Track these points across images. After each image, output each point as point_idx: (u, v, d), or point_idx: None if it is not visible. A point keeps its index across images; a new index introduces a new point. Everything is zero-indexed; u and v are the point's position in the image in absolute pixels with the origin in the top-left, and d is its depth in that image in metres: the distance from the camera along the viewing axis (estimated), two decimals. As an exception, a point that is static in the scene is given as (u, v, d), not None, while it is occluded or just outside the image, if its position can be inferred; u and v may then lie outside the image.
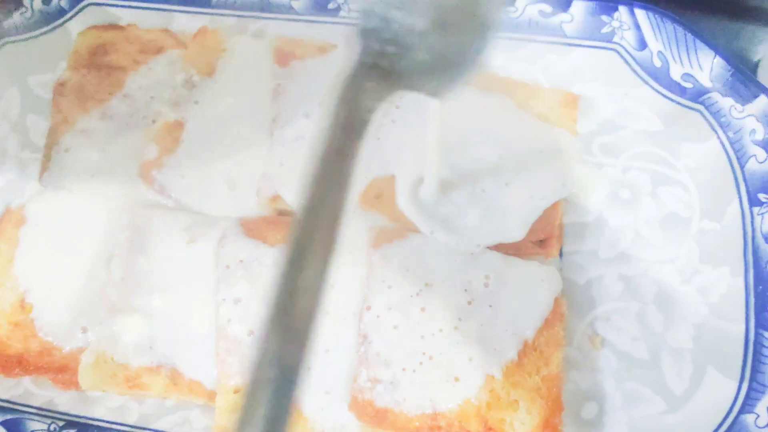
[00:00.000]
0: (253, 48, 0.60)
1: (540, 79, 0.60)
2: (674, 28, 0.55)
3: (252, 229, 0.52)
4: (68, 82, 0.61)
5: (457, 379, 0.47)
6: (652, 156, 0.56)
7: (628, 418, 0.49)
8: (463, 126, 0.55)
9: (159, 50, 0.61)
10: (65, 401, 0.49)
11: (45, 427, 0.47)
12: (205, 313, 0.49)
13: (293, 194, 0.53)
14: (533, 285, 0.50)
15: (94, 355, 0.48)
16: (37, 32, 0.63)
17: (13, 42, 0.62)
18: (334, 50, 0.59)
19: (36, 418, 0.48)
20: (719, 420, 0.47)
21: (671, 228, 0.54)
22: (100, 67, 0.61)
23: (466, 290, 0.49)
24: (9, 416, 0.47)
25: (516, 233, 0.50)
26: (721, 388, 0.48)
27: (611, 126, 0.58)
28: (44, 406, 0.49)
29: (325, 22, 0.61)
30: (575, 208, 0.56)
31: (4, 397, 0.49)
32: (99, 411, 0.49)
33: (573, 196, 0.56)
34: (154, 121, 0.58)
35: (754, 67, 0.64)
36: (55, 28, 0.64)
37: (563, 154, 0.54)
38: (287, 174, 0.54)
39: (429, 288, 0.49)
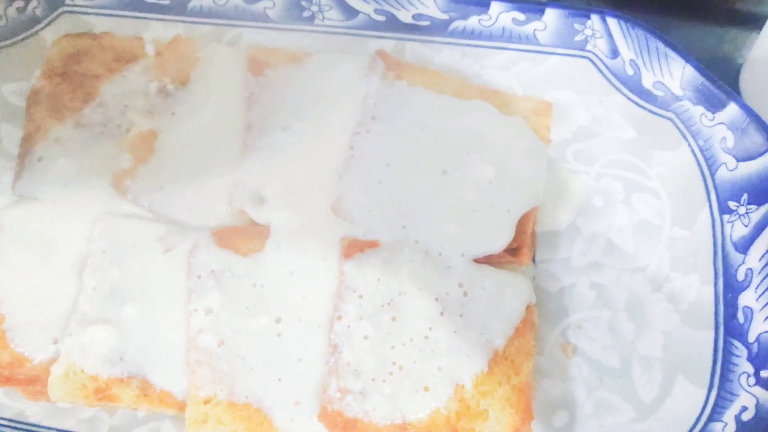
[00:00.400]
0: (227, 57, 0.59)
1: (514, 86, 0.60)
2: (646, 36, 0.55)
3: (224, 239, 0.52)
4: (42, 90, 0.60)
5: (426, 389, 0.47)
6: (625, 164, 0.57)
7: (599, 427, 0.49)
8: (441, 132, 0.55)
9: (133, 58, 0.61)
10: (36, 413, 0.49)
11: (14, 439, 0.47)
12: (177, 323, 0.49)
13: (263, 209, 0.53)
14: (505, 293, 0.50)
15: (64, 366, 0.48)
16: (11, 41, 0.63)
17: (-12, 50, 0.62)
18: (308, 59, 0.59)
19: (7, 430, 0.47)
20: (687, 428, 0.47)
21: (643, 236, 0.54)
22: (74, 75, 0.61)
23: (437, 299, 0.49)
24: (-23, 429, 0.47)
25: (501, 242, 0.50)
26: (690, 397, 0.48)
27: (585, 133, 0.58)
28: (15, 418, 0.49)
29: (300, 30, 0.62)
30: (548, 216, 0.56)
31: (-26, 409, 0.49)
32: (70, 422, 0.49)
33: (546, 203, 0.56)
34: (128, 130, 0.58)
35: (736, 71, 0.65)
36: (29, 36, 0.63)
37: (539, 161, 0.54)
38: (261, 184, 0.54)
39: (401, 297, 0.49)
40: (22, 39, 0.63)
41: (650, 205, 0.55)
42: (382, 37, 0.60)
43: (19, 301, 0.52)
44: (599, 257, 0.54)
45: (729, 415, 0.46)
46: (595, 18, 0.56)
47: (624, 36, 0.56)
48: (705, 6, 0.68)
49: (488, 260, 0.52)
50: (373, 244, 0.51)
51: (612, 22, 0.56)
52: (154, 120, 0.57)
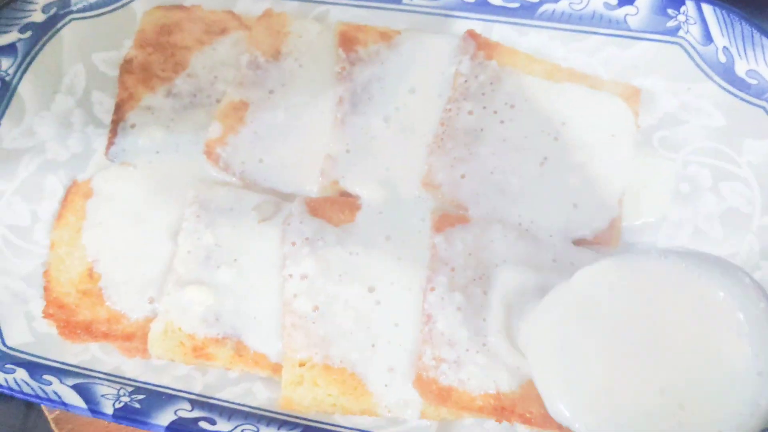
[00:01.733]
0: (316, 32, 0.60)
1: (600, 71, 0.59)
2: (741, 24, 0.55)
3: (316, 208, 0.53)
4: (134, 59, 0.62)
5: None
6: (713, 151, 0.57)
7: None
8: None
9: (223, 31, 0.62)
10: (131, 368, 0.50)
11: (114, 391, 0.48)
12: (271, 287, 0.50)
13: (355, 182, 0.54)
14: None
15: (163, 324, 0.49)
16: (103, 10, 0.65)
17: (79, 18, 0.64)
18: (398, 36, 0.59)
19: (105, 383, 0.49)
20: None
21: (732, 223, 0.54)
22: (165, 46, 0.62)
23: (526, 273, 0.50)
24: (79, 381, 0.48)
25: (596, 225, 0.51)
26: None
27: (672, 120, 0.58)
28: (112, 372, 0.50)
29: (388, 9, 0.62)
30: (634, 200, 0.56)
31: (72, 362, 0.50)
32: (164, 379, 0.50)
33: (632, 188, 0.56)
34: (218, 101, 0.59)
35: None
36: (120, 6, 0.65)
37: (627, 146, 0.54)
38: (351, 162, 0.55)
39: (493, 270, 0.49)
40: (113, 9, 0.65)
41: (739, 193, 0.55)
42: (469, 18, 0.61)
43: (114, 261, 0.53)
44: (686, 243, 0.54)
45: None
46: (689, 4, 0.56)
47: (718, 23, 0.56)
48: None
49: (577, 243, 0.52)
50: (463, 219, 0.52)
51: (707, 8, 0.56)
52: (245, 91, 0.58)
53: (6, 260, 0.55)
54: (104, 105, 0.62)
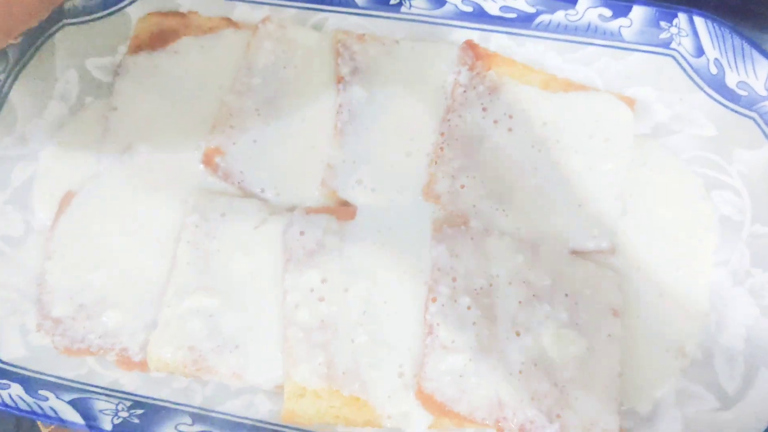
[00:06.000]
0: (315, 40, 0.60)
1: (595, 81, 0.61)
2: (732, 37, 0.56)
3: (316, 218, 0.53)
4: (128, 65, 0.61)
5: (521, 372, 0.48)
6: (705, 161, 0.58)
7: (681, 415, 0.50)
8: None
9: (220, 39, 0.62)
10: (130, 382, 0.50)
11: (113, 406, 0.47)
12: (273, 299, 0.50)
13: (355, 191, 0.54)
14: (594, 286, 0.51)
15: (163, 337, 0.49)
16: (97, 15, 0.64)
17: (73, 24, 0.63)
18: (396, 46, 0.59)
19: (103, 398, 0.48)
20: (772, 418, 0.49)
21: (723, 231, 0.56)
22: (160, 53, 0.62)
23: (528, 286, 0.50)
24: (77, 396, 0.48)
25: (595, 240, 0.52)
26: (774, 388, 0.50)
27: (665, 130, 0.59)
28: (110, 386, 0.49)
29: (386, 18, 0.62)
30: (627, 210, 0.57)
31: (69, 376, 0.50)
32: (164, 392, 0.49)
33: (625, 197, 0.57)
34: (215, 108, 0.59)
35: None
36: (114, 12, 0.64)
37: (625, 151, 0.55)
38: (351, 171, 0.54)
39: (493, 280, 0.50)
40: (107, 15, 0.64)
41: (730, 201, 0.56)
42: (466, 27, 0.61)
43: (111, 272, 0.52)
44: (678, 251, 0.56)
45: (815, 407, 0.47)
46: (682, 17, 0.57)
47: (710, 35, 0.57)
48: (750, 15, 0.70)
49: (576, 253, 0.53)
50: (463, 230, 0.52)
51: (699, 21, 0.57)
52: (243, 99, 0.58)
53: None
54: (96, 110, 0.61)
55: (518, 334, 0.49)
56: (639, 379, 0.52)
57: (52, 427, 0.51)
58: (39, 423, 0.52)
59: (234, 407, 0.49)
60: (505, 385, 0.47)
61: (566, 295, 0.51)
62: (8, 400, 0.46)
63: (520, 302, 0.50)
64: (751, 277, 0.54)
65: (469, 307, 0.49)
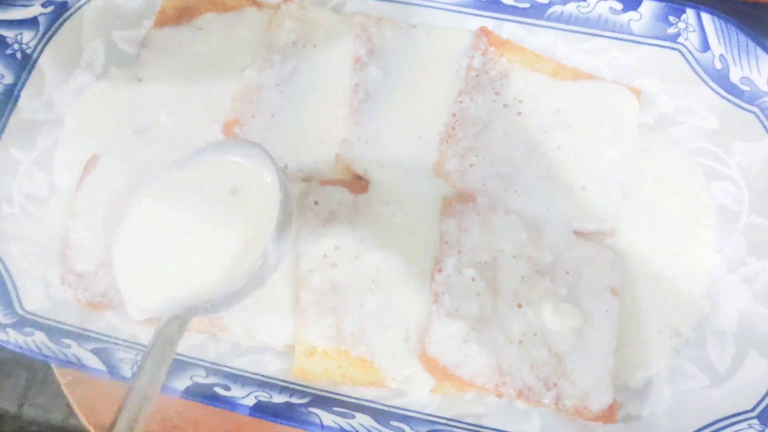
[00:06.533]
0: (335, 22, 0.63)
1: (603, 71, 0.63)
2: (737, 33, 0.58)
3: (330, 190, 0.55)
4: (153, 39, 0.64)
5: (521, 342, 0.50)
6: (705, 152, 0.60)
7: (673, 391, 0.52)
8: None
9: (243, 16, 0.64)
10: (147, 337, 0.52)
11: (132, 356, 0.49)
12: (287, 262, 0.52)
13: (369, 166, 0.57)
14: (594, 265, 0.53)
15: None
16: (124, -11, 0.66)
17: (101, -4, 0.65)
18: (413, 30, 0.62)
19: (122, 348, 0.50)
20: (759, 397, 0.50)
21: (721, 220, 0.58)
22: (185, 27, 0.64)
23: (531, 262, 0.53)
24: (98, 345, 0.50)
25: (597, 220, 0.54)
26: (762, 369, 0.51)
27: (668, 121, 0.61)
28: (128, 339, 0.52)
29: (402, 3, 0.65)
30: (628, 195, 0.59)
31: (89, 328, 0.52)
32: (179, 347, 0.51)
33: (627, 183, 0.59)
34: (236, 83, 0.61)
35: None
36: (141, -14, 0.66)
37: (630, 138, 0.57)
38: (365, 147, 0.57)
39: (497, 256, 0.52)
40: (134, -11, 0.66)
41: (729, 192, 0.58)
42: (481, 15, 0.64)
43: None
44: (678, 237, 0.58)
45: (801, 387, 0.50)
46: (690, 12, 0.59)
47: (716, 31, 0.59)
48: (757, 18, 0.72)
49: (579, 234, 0.55)
50: (471, 206, 0.55)
51: (706, 17, 0.59)
52: (263, 75, 0.60)
53: (23, 228, 0.56)
54: (121, 79, 0.64)
55: (519, 306, 0.51)
56: (634, 356, 0.54)
57: (71, 377, 0.54)
58: (57, 374, 0.54)
59: (243, 364, 0.51)
60: (505, 353, 0.49)
61: (567, 272, 0.53)
62: (33, 346, 0.48)
63: (522, 277, 0.52)
64: (745, 265, 0.56)
65: (473, 279, 0.52)
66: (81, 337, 0.50)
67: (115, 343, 0.51)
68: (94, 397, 0.53)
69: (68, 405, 0.54)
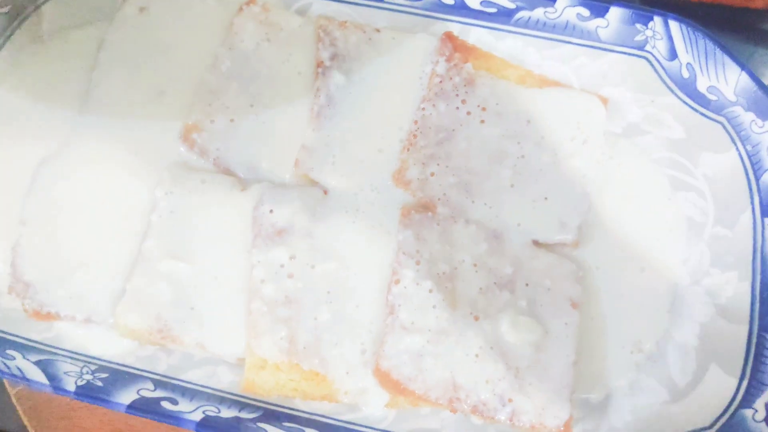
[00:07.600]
0: (298, 24, 0.61)
1: (571, 79, 0.62)
2: (705, 42, 0.58)
3: (287, 196, 0.54)
4: (113, 40, 0.62)
5: (477, 356, 0.49)
6: (672, 162, 0.59)
7: (633, 407, 0.52)
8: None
9: (203, 17, 0.63)
10: (96, 347, 0.51)
11: (77, 369, 0.48)
12: (239, 272, 0.51)
13: (328, 173, 0.55)
14: (554, 276, 0.52)
15: (130, 304, 0.50)
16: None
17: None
18: (377, 34, 0.60)
19: (68, 360, 0.49)
20: (719, 413, 0.50)
21: (686, 231, 0.57)
22: (144, 28, 0.63)
23: (491, 273, 0.52)
24: (42, 357, 0.49)
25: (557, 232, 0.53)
26: (722, 384, 0.51)
27: (636, 130, 0.61)
28: (76, 350, 0.50)
29: (368, 6, 0.63)
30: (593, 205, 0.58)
31: (36, 339, 0.51)
32: (129, 359, 0.51)
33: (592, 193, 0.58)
34: (195, 86, 0.59)
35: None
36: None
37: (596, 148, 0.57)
38: (325, 153, 0.55)
39: (457, 266, 0.51)
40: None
41: (694, 203, 0.58)
42: (447, 20, 0.63)
43: (84, 240, 0.53)
44: (642, 247, 0.57)
45: (760, 403, 0.49)
46: (657, 20, 0.59)
47: (684, 40, 0.58)
48: (736, 24, 0.71)
49: (541, 245, 0.54)
50: (430, 216, 0.54)
51: (674, 25, 0.58)
52: (223, 79, 0.59)
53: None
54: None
55: (477, 319, 0.50)
56: (594, 370, 0.53)
57: (20, 387, 0.52)
58: (6, 384, 0.53)
59: (196, 376, 0.50)
60: (460, 367, 0.49)
61: (527, 284, 0.52)
62: (-26, 358, 0.47)
63: (480, 289, 0.51)
64: (709, 277, 0.55)
65: (430, 291, 0.51)
66: (26, 348, 0.49)
67: (61, 355, 0.49)
68: (41, 409, 0.52)
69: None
